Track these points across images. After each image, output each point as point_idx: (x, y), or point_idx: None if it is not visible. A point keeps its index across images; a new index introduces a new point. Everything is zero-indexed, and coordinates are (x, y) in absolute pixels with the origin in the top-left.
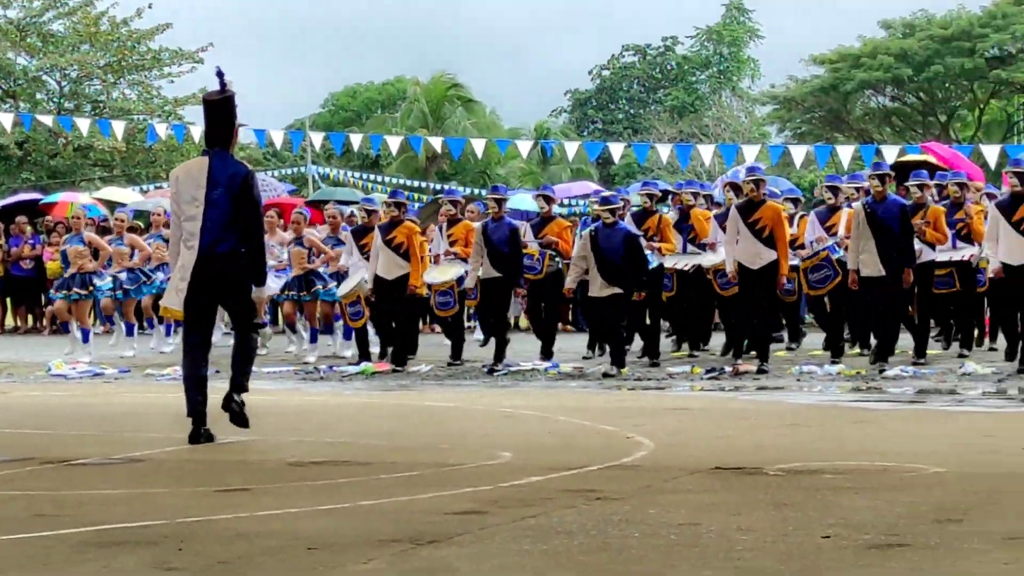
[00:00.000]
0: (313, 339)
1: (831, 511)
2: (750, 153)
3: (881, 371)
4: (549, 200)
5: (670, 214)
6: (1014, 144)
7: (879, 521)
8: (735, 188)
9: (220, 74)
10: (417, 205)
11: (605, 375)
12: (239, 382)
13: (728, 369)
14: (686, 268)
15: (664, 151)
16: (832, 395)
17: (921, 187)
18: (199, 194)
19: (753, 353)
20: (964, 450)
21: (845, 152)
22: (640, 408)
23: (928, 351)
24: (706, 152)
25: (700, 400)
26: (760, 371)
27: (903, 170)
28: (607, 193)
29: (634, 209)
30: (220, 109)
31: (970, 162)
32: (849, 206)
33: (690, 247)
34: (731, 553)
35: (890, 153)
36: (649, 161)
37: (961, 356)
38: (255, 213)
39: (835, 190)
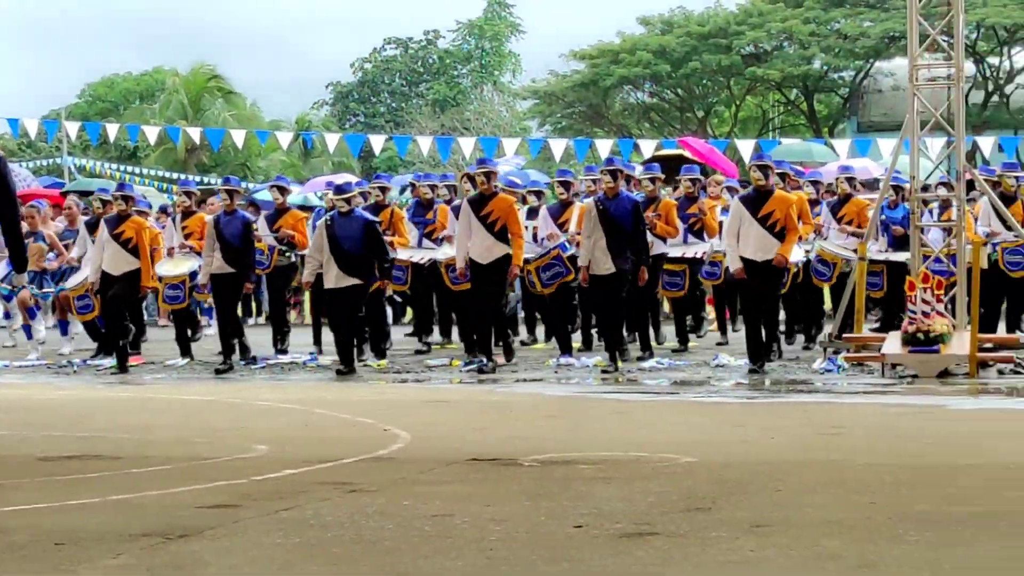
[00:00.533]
0: (63, 331)
1: (584, 501)
2: (510, 146)
3: (639, 359)
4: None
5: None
6: (769, 139)
7: (630, 510)
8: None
9: None
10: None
11: (339, 372)
12: None
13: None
14: (422, 261)
15: (425, 144)
16: (589, 387)
17: (653, 180)
18: None
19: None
20: (715, 440)
21: (604, 146)
22: (399, 401)
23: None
24: (467, 145)
25: (459, 393)
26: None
27: (661, 164)
28: (342, 181)
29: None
30: None
31: (725, 157)
32: (582, 201)
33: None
34: (483, 543)
35: (648, 147)
36: (411, 154)
37: (678, 350)
38: (9, 199)
39: (567, 185)
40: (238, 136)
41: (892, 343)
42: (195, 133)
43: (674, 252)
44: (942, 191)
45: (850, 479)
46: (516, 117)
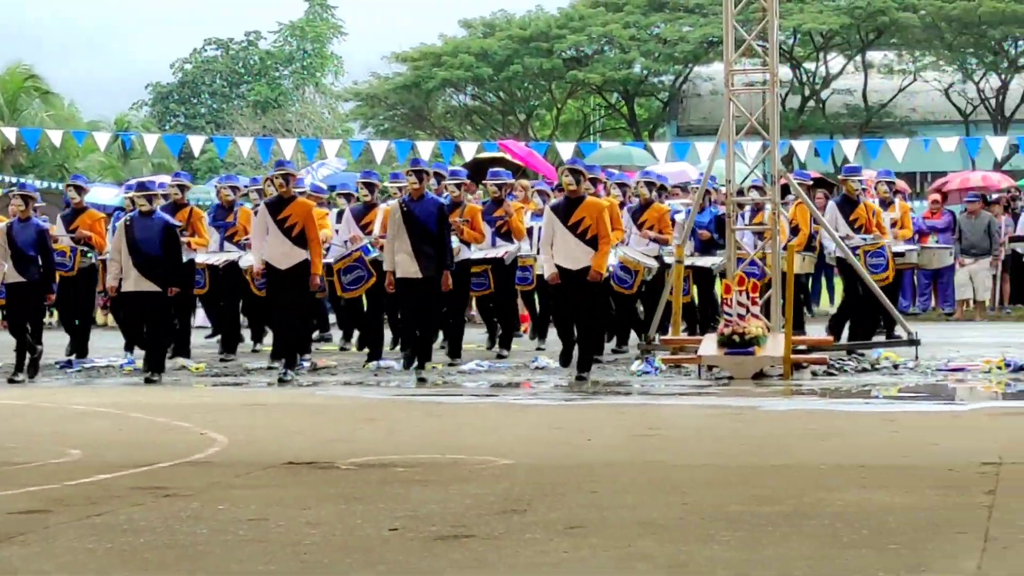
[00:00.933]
0: None
1: (400, 504)
2: (331, 148)
3: (451, 364)
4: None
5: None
6: (589, 143)
7: (447, 513)
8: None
9: None
10: None
11: (147, 379)
12: None
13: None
14: (219, 264)
15: (245, 145)
16: (408, 390)
17: (459, 186)
18: None
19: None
20: (532, 442)
21: (426, 148)
22: (217, 404)
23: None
24: (287, 146)
25: (278, 396)
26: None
27: (480, 168)
28: (146, 179)
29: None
30: None
31: (545, 160)
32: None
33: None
34: (298, 547)
35: (469, 150)
36: (232, 155)
37: (500, 356)
38: None
39: (371, 187)
40: (55, 136)
41: (708, 345)
42: (11, 133)
43: (477, 255)
44: (754, 194)
45: (664, 480)
46: (338, 119)
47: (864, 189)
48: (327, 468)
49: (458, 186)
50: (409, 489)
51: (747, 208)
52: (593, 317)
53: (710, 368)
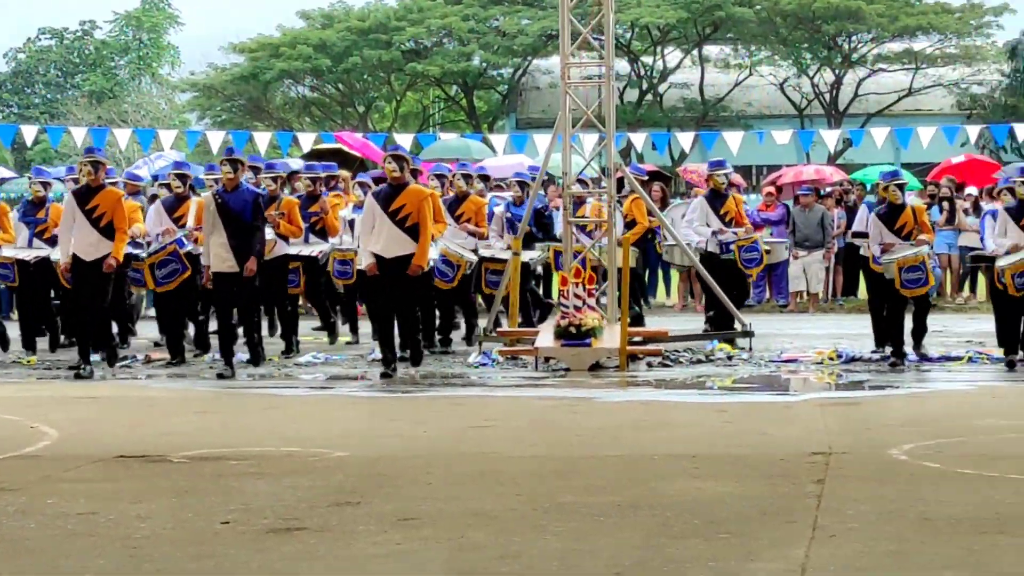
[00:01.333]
0: None
1: (233, 497)
2: (167, 139)
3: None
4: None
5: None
6: (429, 135)
7: (279, 505)
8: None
9: None
10: None
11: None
12: None
13: (140, 357)
14: (29, 259)
15: (79, 135)
16: (242, 382)
17: (275, 179)
18: None
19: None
20: (368, 434)
21: (263, 139)
22: (49, 397)
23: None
24: (122, 136)
25: (111, 388)
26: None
27: (318, 159)
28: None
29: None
30: None
31: (381, 152)
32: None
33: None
34: (128, 541)
35: (307, 141)
36: (66, 146)
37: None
38: None
39: (183, 178)
40: None
41: (545, 337)
42: None
43: (291, 250)
44: (577, 188)
45: (498, 471)
46: (175, 110)
47: (732, 183)
48: (159, 461)
49: (274, 179)
50: (242, 482)
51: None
52: (413, 310)
53: (547, 360)
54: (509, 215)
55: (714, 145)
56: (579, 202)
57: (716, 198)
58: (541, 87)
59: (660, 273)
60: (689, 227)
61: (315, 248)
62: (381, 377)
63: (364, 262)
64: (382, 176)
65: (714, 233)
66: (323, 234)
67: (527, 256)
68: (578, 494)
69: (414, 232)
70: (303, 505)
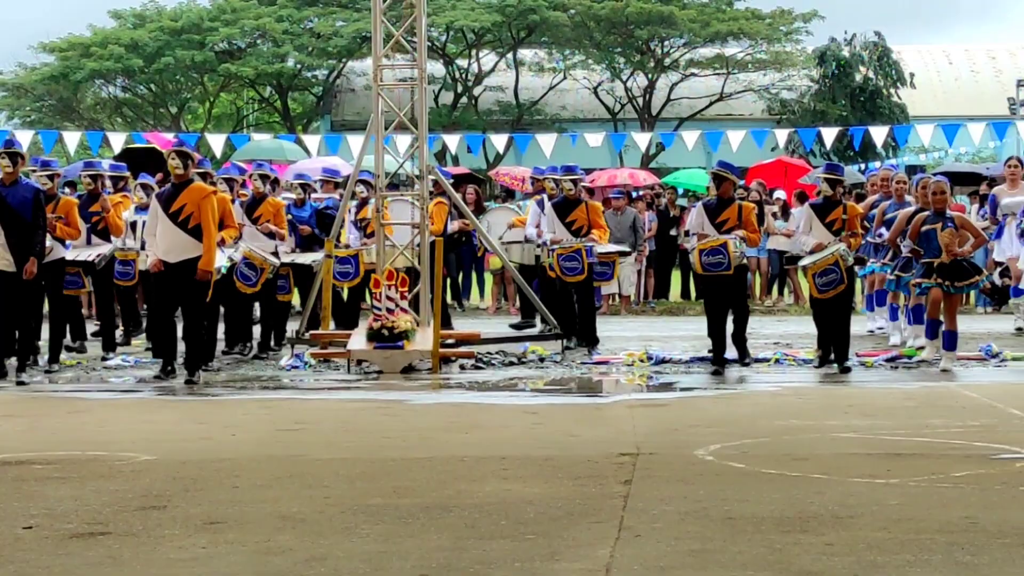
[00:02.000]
0: None
1: (36, 501)
2: None
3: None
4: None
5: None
6: (242, 135)
7: (83, 510)
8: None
9: None
10: None
11: None
12: None
13: None
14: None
15: None
16: (43, 386)
17: (51, 177)
18: None
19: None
20: (176, 438)
21: (72, 139)
22: None
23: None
24: None
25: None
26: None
27: (131, 158)
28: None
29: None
30: None
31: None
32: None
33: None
34: None
35: (117, 141)
36: None
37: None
38: None
39: None
40: None
41: (357, 339)
42: None
43: (70, 255)
44: (360, 188)
45: (307, 474)
46: None
47: (583, 188)
48: None
49: (51, 177)
50: (46, 487)
51: (353, 203)
52: (197, 315)
53: (359, 362)
54: (290, 217)
55: (528, 148)
56: (362, 203)
57: (567, 205)
58: (356, 89)
59: (474, 275)
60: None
61: (94, 251)
62: (154, 378)
63: (148, 261)
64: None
65: (547, 243)
66: (105, 234)
67: (310, 258)
68: (387, 496)
69: (197, 233)
70: (108, 510)
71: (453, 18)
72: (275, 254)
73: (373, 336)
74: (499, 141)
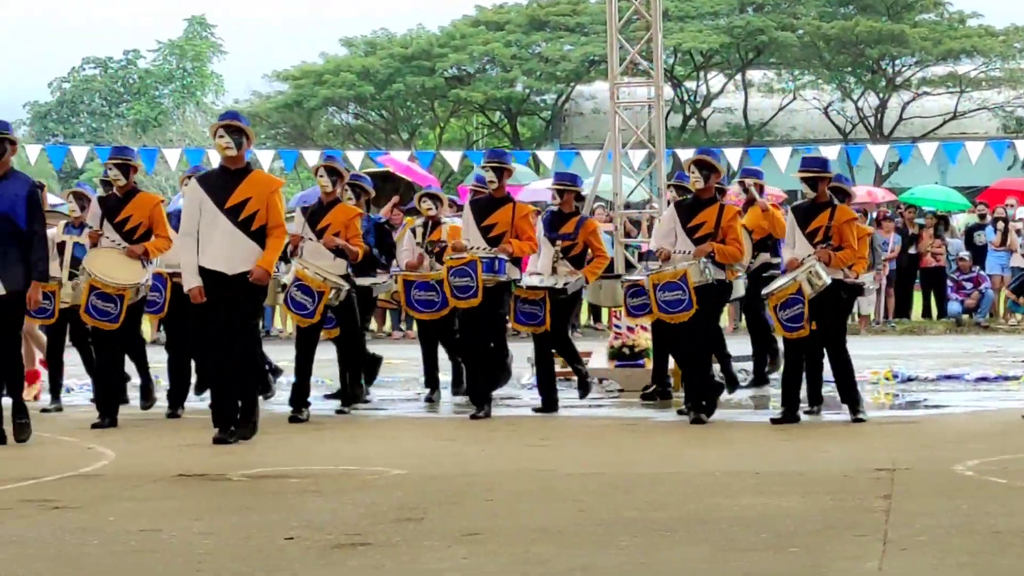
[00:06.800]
0: None
1: (294, 513)
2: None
3: None
4: None
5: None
6: (476, 151)
7: (341, 522)
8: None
9: None
10: None
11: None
12: None
13: None
14: None
15: None
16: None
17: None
18: None
19: None
20: (425, 453)
21: (312, 158)
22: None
23: None
24: (172, 156)
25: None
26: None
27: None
28: None
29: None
30: None
31: (426, 172)
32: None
33: None
34: (192, 557)
35: (356, 160)
36: None
37: None
38: None
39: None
40: None
41: (599, 358)
42: None
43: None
44: (427, 204)
45: (560, 488)
46: None
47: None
48: (219, 480)
49: (124, 170)
50: (303, 499)
51: (418, 223)
52: (251, 346)
53: (600, 381)
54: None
55: (762, 162)
56: (433, 223)
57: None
58: (585, 113)
59: None
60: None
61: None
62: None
63: (186, 283)
64: None
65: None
66: None
67: (368, 281)
68: (641, 509)
69: (260, 237)
70: (365, 521)
71: (681, 40)
72: (346, 277)
73: (614, 354)
74: (732, 155)
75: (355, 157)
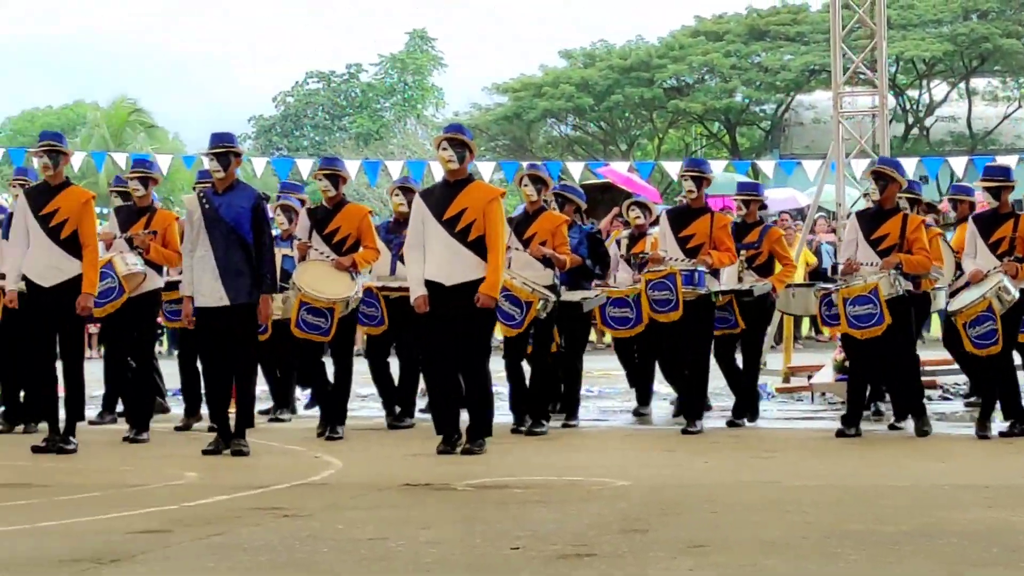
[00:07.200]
0: None
1: (519, 523)
2: (439, 171)
3: None
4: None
5: None
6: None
7: (567, 532)
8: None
9: None
10: None
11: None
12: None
13: None
14: None
15: (352, 168)
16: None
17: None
18: None
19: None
20: (648, 464)
21: None
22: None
23: None
24: (394, 169)
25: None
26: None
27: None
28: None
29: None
30: None
31: (645, 183)
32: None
33: None
34: (420, 565)
35: (576, 170)
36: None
37: None
38: None
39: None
40: (163, 161)
41: (823, 373)
42: (121, 159)
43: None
44: (636, 213)
45: (784, 500)
46: None
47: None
48: (443, 489)
49: (144, 183)
50: (527, 509)
51: (623, 235)
52: (481, 362)
53: (823, 394)
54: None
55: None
56: (639, 234)
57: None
58: (805, 123)
59: None
60: None
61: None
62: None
63: (413, 293)
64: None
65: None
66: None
67: (579, 295)
68: (867, 522)
69: (480, 248)
70: (591, 532)
71: (903, 48)
72: (552, 288)
73: (838, 368)
74: (957, 164)
75: (575, 168)
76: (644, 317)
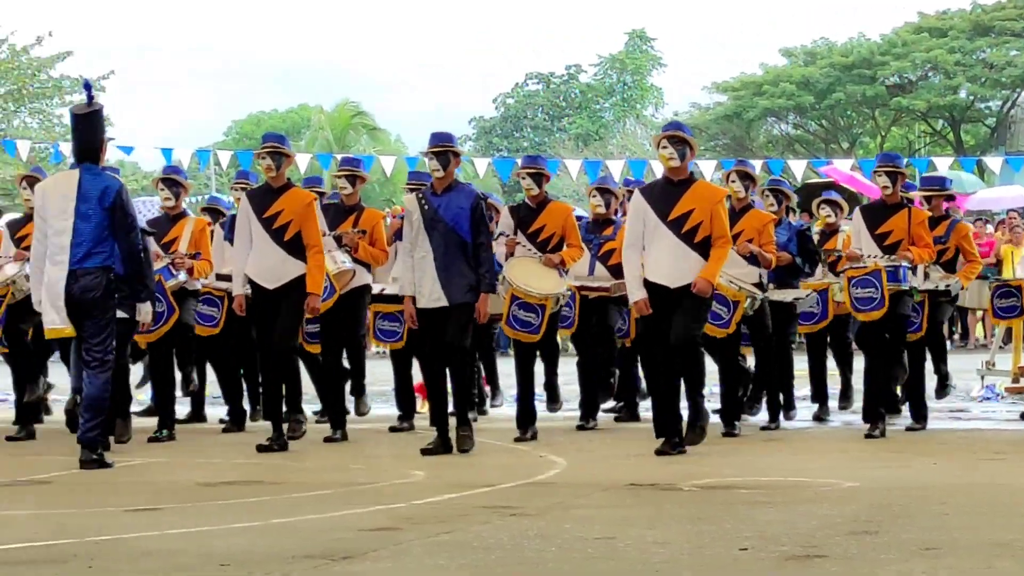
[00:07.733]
0: None
1: (746, 524)
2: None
3: None
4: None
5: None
6: (919, 158)
7: (795, 533)
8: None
9: (87, 87)
10: None
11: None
12: (87, 437)
13: None
14: None
15: (574, 167)
16: None
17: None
18: (69, 207)
19: None
20: (874, 466)
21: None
22: (551, 429)
23: None
24: (615, 168)
25: (608, 421)
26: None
27: (811, 192)
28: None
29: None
30: (87, 122)
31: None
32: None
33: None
34: (648, 565)
35: (798, 168)
36: (558, 181)
37: None
38: (128, 225)
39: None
40: (387, 163)
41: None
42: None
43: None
44: (826, 211)
45: (1017, 502)
46: None
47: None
48: (669, 490)
49: (171, 189)
50: (754, 510)
51: (815, 230)
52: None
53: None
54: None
55: None
56: (830, 232)
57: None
58: None
59: None
60: None
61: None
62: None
63: (632, 296)
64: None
65: None
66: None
67: (790, 295)
68: None
69: (704, 248)
70: (820, 533)
71: None
72: (759, 285)
73: None
74: None
75: (796, 167)
76: (829, 313)
